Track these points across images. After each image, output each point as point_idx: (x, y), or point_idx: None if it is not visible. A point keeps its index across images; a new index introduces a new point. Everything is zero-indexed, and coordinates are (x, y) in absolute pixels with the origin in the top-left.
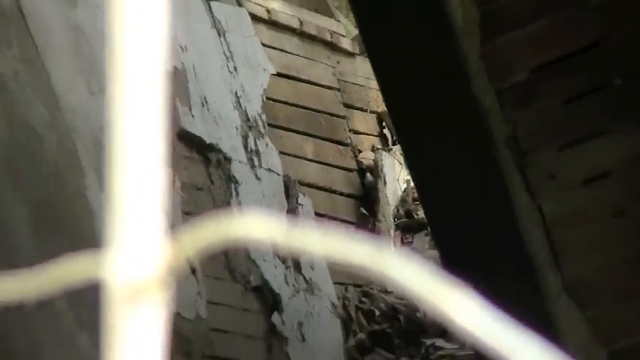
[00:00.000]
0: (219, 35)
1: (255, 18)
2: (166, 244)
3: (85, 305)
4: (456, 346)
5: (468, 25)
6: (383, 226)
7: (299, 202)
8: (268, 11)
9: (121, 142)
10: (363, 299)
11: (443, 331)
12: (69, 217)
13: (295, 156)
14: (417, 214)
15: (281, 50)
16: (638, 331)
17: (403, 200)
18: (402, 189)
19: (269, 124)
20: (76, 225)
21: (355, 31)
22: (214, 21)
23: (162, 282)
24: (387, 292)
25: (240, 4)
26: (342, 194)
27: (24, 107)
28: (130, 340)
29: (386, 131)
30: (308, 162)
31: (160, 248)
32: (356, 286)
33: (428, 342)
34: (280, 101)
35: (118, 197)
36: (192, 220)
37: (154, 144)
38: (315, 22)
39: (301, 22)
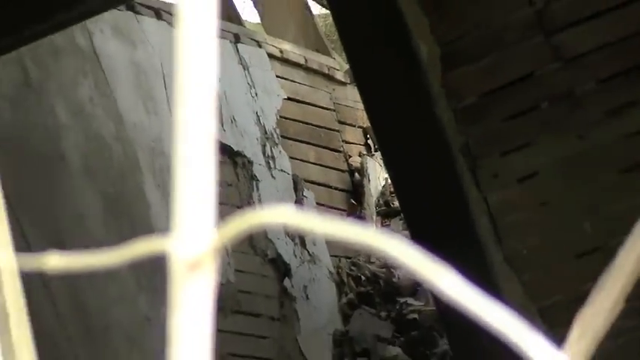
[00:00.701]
0: (244, 69)
1: (271, 56)
2: (213, 226)
3: (144, 273)
4: (422, 303)
5: (432, 60)
6: (367, 213)
7: (304, 195)
8: (281, 51)
9: (183, 147)
10: (352, 268)
11: (413, 291)
12: (130, 207)
13: (301, 160)
14: (393, 204)
15: (290, 81)
16: (561, 291)
17: (382, 193)
18: (382, 185)
19: (281, 136)
20: (135, 213)
21: (346, 66)
22: (240, 58)
23: (212, 256)
24: (370, 263)
25: (259, 46)
26: (336, 189)
27: (97, 124)
28: (188, 303)
29: (370, 141)
30: (311, 165)
31: (209, 229)
32: (347, 257)
33: (401, 300)
34: (290, 119)
35: (182, 188)
36: (223, 208)
37: (206, 151)
38: (317, 59)
39: (306, 60)
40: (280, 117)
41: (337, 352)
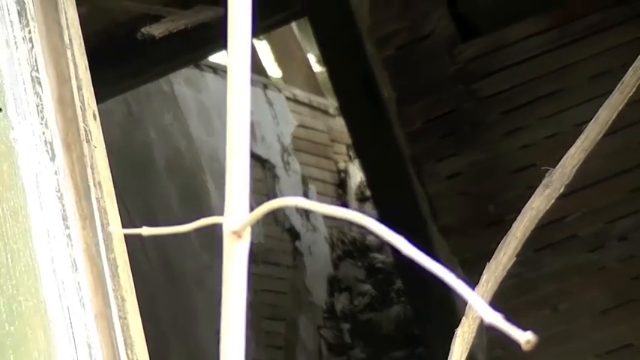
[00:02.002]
0: (270, 106)
1: (287, 98)
2: (249, 207)
3: (206, 237)
4: (385, 257)
5: (391, 101)
6: (349, 199)
7: (308, 187)
8: (294, 95)
9: (233, 155)
10: (340, 234)
11: (379, 249)
12: (197, 196)
13: (306, 165)
14: (366, 194)
15: (299, 114)
16: (474, 250)
17: (359, 187)
18: (358, 181)
19: (294, 149)
20: (200, 199)
21: (335, 104)
22: (267, 99)
23: (247, 227)
24: (351, 230)
25: (279, 91)
26: (329, 184)
27: (175, 141)
28: (233, 256)
29: (350, 153)
30: (312, 168)
31: (245, 210)
32: (336, 227)
33: (371, 255)
34: (299, 138)
35: (229, 183)
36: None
37: (243, 159)
38: (316, 99)
39: (309, 100)
40: (293, 137)
41: (329, 288)
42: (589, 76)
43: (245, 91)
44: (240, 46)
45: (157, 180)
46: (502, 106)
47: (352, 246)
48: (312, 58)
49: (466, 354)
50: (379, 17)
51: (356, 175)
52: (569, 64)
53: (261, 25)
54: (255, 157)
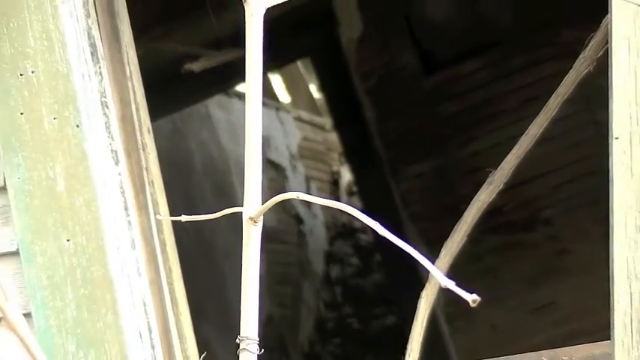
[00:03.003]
0: (280, 124)
1: (294, 118)
2: (262, 198)
3: (232, 221)
4: (367, 237)
5: (371, 119)
6: (341, 194)
7: (310, 185)
8: (299, 115)
9: (250, 163)
10: (333, 220)
11: (363, 231)
12: (225, 191)
13: (308, 168)
14: (353, 190)
15: (303, 129)
16: (435, 232)
17: (347, 185)
18: (348, 180)
19: (299, 156)
20: (228, 193)
21: (330, 122)
22: (278, 118)
23: (261, 215)
24: (342, 217)
25: (288, 112)
26: (326, 182)
27: (209, 150)
28: (250, 236)
29: (341, 159)
30: (313, 170)
31: (259, 202)
32: (330, 215)
33: (357, 235)
34: (303, 147)
35: (248, 182)
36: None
37: (257, 163)
38: (316, 119)
39: (311, 119)
40: (298, 147)
41: (325, 261)
42: (522, 100)
43: (258, 111)
44: (254, 79)
45: (195, 179)
46: (457, 123)
47: (343, 229)
48: (313, 87)
49: (428, 310)
50: (363, 56)
51: (345, 176)
52: (507, 92)
53: (274, 64)
54: (269, 162)
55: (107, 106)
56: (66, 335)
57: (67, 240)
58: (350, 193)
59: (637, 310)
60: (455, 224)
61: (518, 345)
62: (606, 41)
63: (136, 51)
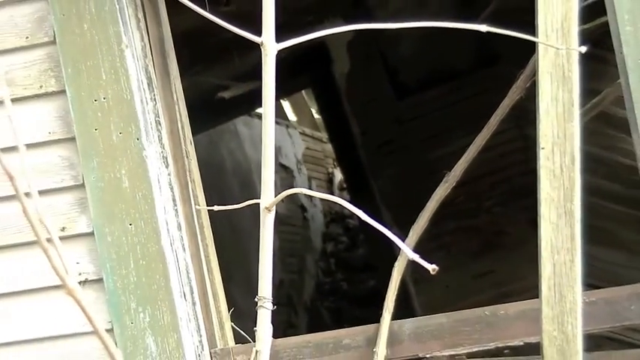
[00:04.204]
0: (290, 137)
1: (300, 133)
2: (275, 193)
3: (253, 209)
4: (354, 221)
5: (357, 134)
6: (335, 190)
7: (312, 183)
8: (303, 130)
9: (266, 163)
10: (329, 208)
11: (351, 216)
12: (249, 187)
13: (310, 170)
14: (344, 186)
15: (306, 141)
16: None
17: (340, 182)
18: (339, 179)
19: (303, 161)
20: (249, 188)
21: (326, 136)
22: (288, 133)
23: (273, 206)
24: (335, 206)
25: (295, 128)
26: (323, 180)
27: (237, 157)
28: (266, 222)
29: (335, 163)
30: (314, 171)
31: (272, 195)
32: (327, 205)
33: (347, 220)
34: (306, 155)
35: (265, 180)
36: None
37: (271, 165)
38: (316, 133)
39: (312, 133)
40: (303, 154)
41: (323, 239)
42: (470, 119)
43: (272, 127)
44: (269, 104)
45: (226, 179)
46: (422, 136)
47: (336, 215)
48: (314, 110)
49: (400, 276)
50: (351, 86)
51: (338, 176)
52: (459, 113)
53: (284, 93)
54: (281, 166)
55: (159, 124)
56: (129, 295)
57: (130, 224)
58: (341, 189)
59: (558, 275)
60: (420, 212)
61: (466, 302)
62: (533, 74)
63: (181, 82)
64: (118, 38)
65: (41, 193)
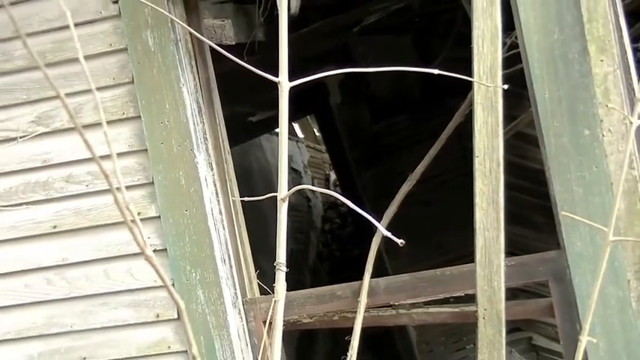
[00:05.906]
0: (299, 149)
1: (306, 146)
2: (288, 188)
3: (273, 199)
4: (345, 208)
5: (347, 146)
6: (330, 186)
7: (313, 181)
8: (309, 144)
9: (282, 167)
10: (327, 199)
11: (343, 204)
12: (270, 184)
13: (313, 172)
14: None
15: (310, 152)
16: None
17: (335, 181)
18: (334, 179)
19: (308, 166)
20: (271, 186)
21: (324, 148)
22: (297, 146)
23: (286, 197)
24: (330, 198)
25: (303, 142)
26: (322, 179)
27: (261, 163)
28: (281, 211)
29: (330, 167)
30: (315, 173)
31: (285, 190)
32: (325, 197)
33: (339, 207)
34: (310, 161)
35: (280, 179)
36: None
37: (285, 168)
38: (317, 146)
39: (314, 146)
40: (308, 161)
41: (322, 220)
42: (427, 135)
43: (285, 141)
44: (283, 125)
45: (253, 179)
46: (392, 148)
47: (331, 204)
48: (316, 129)
49: (376, 247)
50: (342, 113)
51: (332, 176)
52: (420, 132)
53: (294, 117)
54: (292, 169)
55: (206, 139)
56: (185, 260)
57: (185, 210)
58: (335, 186)
59: (487, 246)
60: (390, 202)
61: (423, 266)
62: (470, 104)
63: (222, 110)
64: (177, 79)
65: (125, 188)
